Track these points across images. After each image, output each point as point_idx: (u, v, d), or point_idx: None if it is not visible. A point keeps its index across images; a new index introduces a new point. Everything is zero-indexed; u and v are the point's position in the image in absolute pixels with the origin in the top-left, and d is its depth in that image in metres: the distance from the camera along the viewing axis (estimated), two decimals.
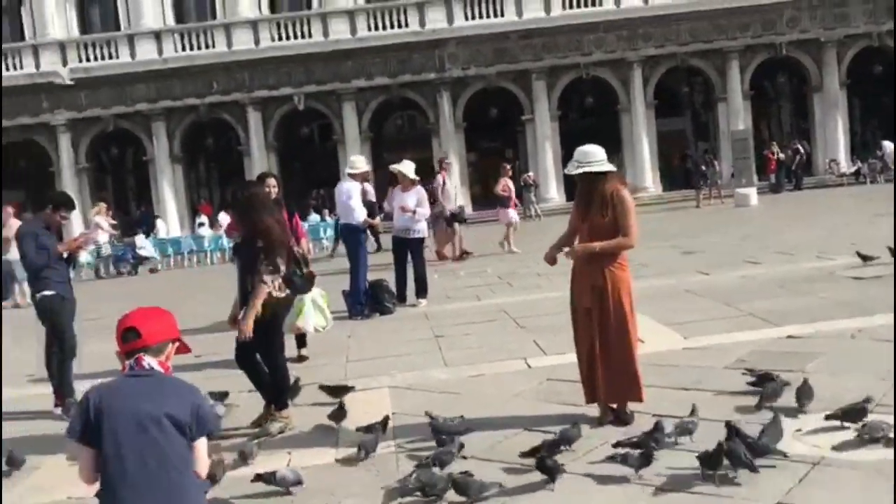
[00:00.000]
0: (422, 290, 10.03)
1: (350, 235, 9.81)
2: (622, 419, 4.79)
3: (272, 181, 7.12)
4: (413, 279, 10.04)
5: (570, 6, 29.68)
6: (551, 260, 4.99)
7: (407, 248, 10.02)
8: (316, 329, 7.12)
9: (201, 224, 25.71)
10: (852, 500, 3.52)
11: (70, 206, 6.59)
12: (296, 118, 31.47)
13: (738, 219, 19.58)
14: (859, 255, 9.32)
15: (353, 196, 9.54)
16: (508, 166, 18.56)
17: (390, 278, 9.97)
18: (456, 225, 15.36)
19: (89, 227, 20.71)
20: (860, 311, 7.03)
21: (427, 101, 30.50)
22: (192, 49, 29.92)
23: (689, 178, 27.10)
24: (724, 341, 6.55)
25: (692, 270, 10.61)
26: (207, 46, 29.95)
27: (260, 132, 30.40)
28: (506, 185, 17.07)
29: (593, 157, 4.77)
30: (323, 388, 5.64)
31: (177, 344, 2.73)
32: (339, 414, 5.03)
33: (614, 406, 4.88)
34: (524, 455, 4.17)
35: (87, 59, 29.73)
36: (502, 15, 29.75)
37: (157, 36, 30.02)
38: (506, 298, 9.38)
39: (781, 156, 28.43)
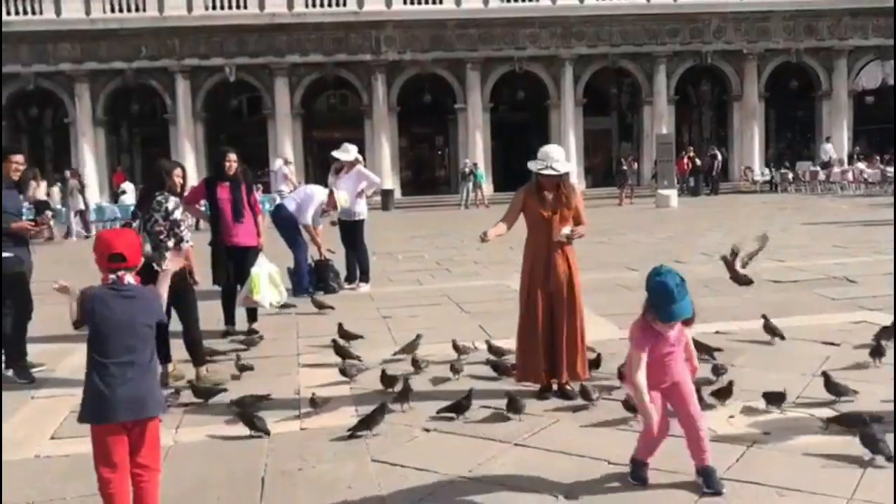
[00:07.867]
0: (364, 274, 10.07)
1: (286, 222, 9.52)
2: (567, 394, 5.19)
3: (232, 156, 7.23)
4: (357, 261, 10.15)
5: (507, 0, 30.15)
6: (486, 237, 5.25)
7: (350, 231, 10.12)
8: (271, 304, 7.23)
9: (123, 192, 25.13)
10: (783, 476, 3.93)
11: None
12: (226, 89, 30.98)
13: (661, 219, 20.37)
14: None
15: (314, 201, 9.44)
16: None
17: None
18: None
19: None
20: (782, 312, 7.58)
21: (361, 82, 30.48)
22: (121, 11, 29.08)
23: (614, 177, 28.10)
24: None
25: (622, 266, 11.11)
26: (138, 9, 29.16)
27: (188, 101, 29.80)
28: None
29: (560, 156, 5.15)
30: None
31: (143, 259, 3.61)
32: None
33: (558, 382, 5.27)
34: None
35: (8, 13, 28.42)
36: (441, 2, 29.98)
37: None
38: (446, 284, 9.61)
39: (698, 161, 29.63)
